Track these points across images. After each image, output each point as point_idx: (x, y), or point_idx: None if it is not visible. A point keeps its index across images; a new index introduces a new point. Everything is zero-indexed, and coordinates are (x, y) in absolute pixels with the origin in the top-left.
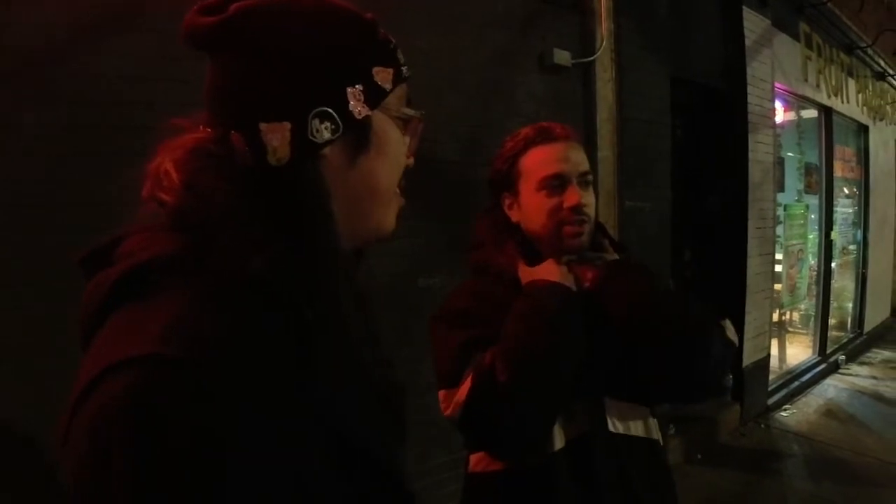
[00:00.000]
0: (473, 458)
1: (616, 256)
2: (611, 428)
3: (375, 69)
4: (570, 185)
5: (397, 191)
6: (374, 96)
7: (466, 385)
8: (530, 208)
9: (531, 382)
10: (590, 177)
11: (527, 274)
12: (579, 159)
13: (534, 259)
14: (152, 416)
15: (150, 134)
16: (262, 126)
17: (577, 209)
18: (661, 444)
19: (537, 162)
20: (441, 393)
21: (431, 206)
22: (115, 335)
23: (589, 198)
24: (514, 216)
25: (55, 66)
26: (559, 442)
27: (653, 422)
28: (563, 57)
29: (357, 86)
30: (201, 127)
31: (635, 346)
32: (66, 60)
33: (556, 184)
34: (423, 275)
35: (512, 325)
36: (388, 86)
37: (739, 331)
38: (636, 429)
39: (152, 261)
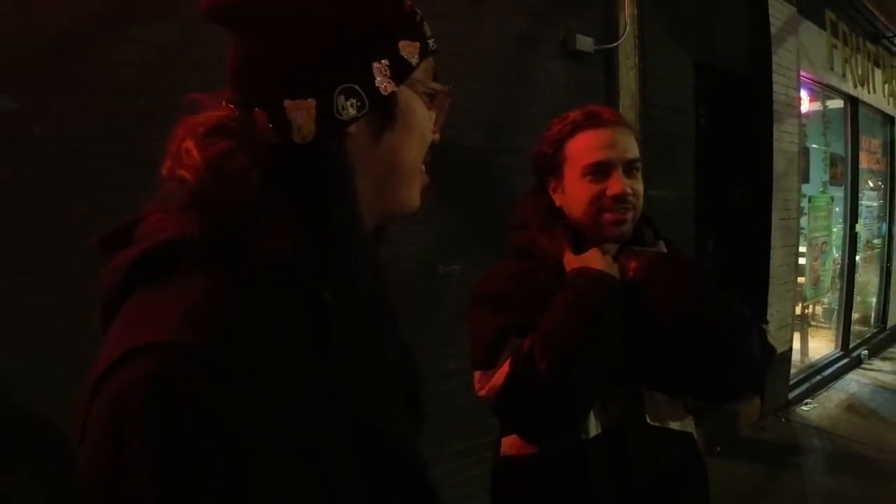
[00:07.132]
0: (506, 441)
1: (664, 250)
2: (648, 420)
3: (402, 43)
4: (614, 172)
5: (422, 168)
6: (401, 71)
7: (504, 370)
8: (573, 195)
9: (570, 371)
10: (638, 163)
11: (571, 261)
12: (627, 146)
13: (580, 246)
14: (168, 404)
15: (174, 120)
16: (287, 103)
17: (620, 198)
18: (695, 437)
19: (583, 148)
20: (476, 374)
21: (452, 192)
22: (133, 320)
23: (636, 185)
24: (559, 200)
25: (77, 54)
26: (594, 429)
27: (689, 415)
28: (585, 43)
29: (383, 61)
30: (224, 104)
31: (677, 339)
32: (89, 48)
33: (600, 171)
34: (442, 261)
35: (554, 313)
36: (414, 60)
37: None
38: (673, 422)
39: (169, 242)
